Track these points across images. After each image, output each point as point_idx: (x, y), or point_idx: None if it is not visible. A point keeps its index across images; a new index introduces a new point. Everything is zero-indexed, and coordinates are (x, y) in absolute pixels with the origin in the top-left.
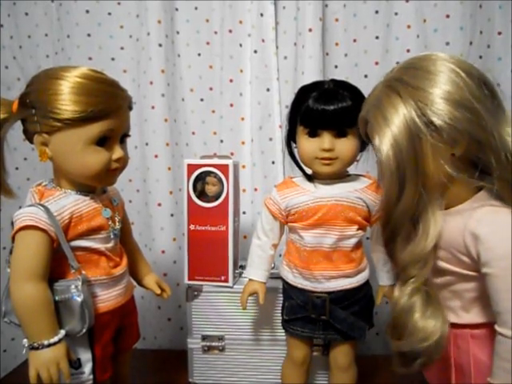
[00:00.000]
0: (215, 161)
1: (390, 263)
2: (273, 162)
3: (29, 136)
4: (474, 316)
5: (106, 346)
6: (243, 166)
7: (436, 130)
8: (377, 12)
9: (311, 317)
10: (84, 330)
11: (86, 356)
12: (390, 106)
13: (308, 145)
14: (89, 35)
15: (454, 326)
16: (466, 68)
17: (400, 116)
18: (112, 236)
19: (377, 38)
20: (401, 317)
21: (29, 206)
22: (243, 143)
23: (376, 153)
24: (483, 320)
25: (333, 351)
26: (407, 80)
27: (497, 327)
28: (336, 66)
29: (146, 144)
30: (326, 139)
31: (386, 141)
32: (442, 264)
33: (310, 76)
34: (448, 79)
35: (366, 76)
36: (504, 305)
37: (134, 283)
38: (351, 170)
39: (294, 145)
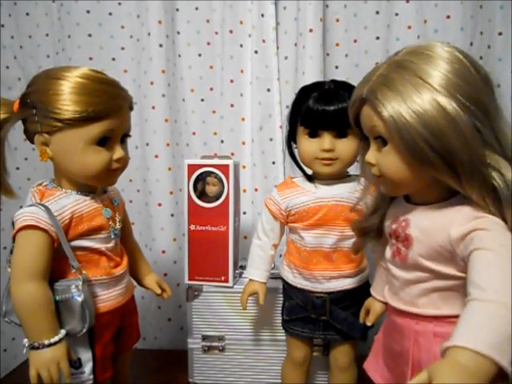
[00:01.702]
0: (216, 161)
1: None
2: (273, 163)
3: (29, 136)
4: (443, 311)
5: (107, 345)
6: (244, 167)
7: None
8: (377, 12)
9: (311, 317)
10: (84, 330)
11: (86, 356)
12: (406, 82)
13: (308, 145)
14: (89, 35)
15: (416, 321)
16: (473, 61)
17: (417, 90)
18: (112, 236)
19: (377, 38)
20: None
21: (29, 206)
22: (244, 143)
23: (380, 134)
24: (452, 313)
25: (333, 351)
26: (416, 62)
27: (471, 294)
28: (336, 67)
29: (147, 144)
30: (326, 140)
31: (408, 113)
32: (423, 261)
33: (311, 76)
34: (454, 68)
35: None
36: (489, 280)
37: (135, 283)
38: (351, 170)
39: (294, 145)
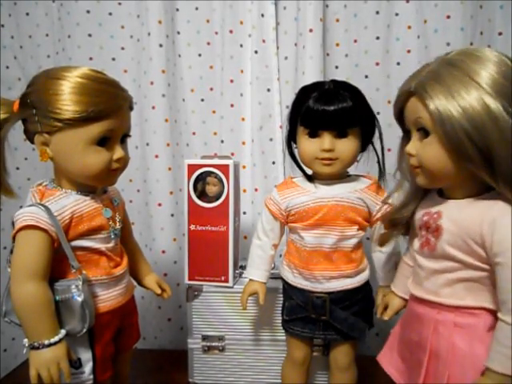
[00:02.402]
0: (216, 161)
1: (389, 263)
2: (273, 163)
3: (29, 136)
4: (466, 302)
5: (107, 345)
6: (244, 167)
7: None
8: (377, 12)
9: (311, 317)
10: (84, 330)
11: (86, 356)
12: (455, 79)
13: (308, 145)
14: (89, 35)
15: (438, 311)
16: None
17: (466, 88)
18: (112, 236)
19: (377, 38)
20: None
21: (29, 206)
22: (244, 143)
23: (424, 126)
24: (475, 304)
25: (333, 351)
26: (466, 61)
27: (500, 315)
28: (336, 67)
29: (147, 144)
30: (326, 139)
31: (455, 108)
32: (451, 250)
33: (311, 76)
34: (502, 70)
35: (366, 76)
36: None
37: (135, 283)
38: (351, 170)
39: (294, 145)
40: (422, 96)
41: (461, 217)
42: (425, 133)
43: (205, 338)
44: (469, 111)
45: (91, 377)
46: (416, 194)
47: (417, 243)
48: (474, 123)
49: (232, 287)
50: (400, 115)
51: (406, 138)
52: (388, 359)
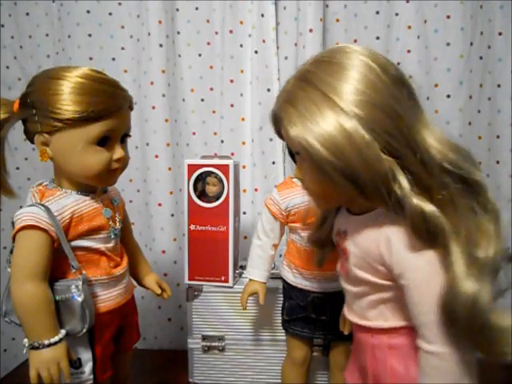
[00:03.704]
0: (216, 161)
1: None
2: (273, 163)
3: (30, 136)
4: (392, 323)
5: (107, 345)
6: (244, 167)
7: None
8: (377, 12)
9: (311, 317)
10: (84, 330)
11: (86, 356)
12: (308, 101)
13: None
14: (89, 35)
15: (371, 334)
16: (382, 64)
17: (320, 111)
18: (112, 236)
19: (377, 38)
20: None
21: (29, 206)
22: (244, 143)
23: (297, 150)
24: (402, 324)
25: (333, 351)
26: (321, 75)
27: (418, 342)
28: None
29: (147, 144)
30: None
31: (311, 136)
32: (360, 273)
33: None
34: (362, 76)
35: None
36: (421, 318)
37: (135, 283)
38: None
39: None
40: (282, 121)
41: (361, 238)
42: (301, 157)
43: (205, 337)
44: (326, 139)
45: (91, 377)
46: (329, 210)
47: (338, 265)
48: (332, 151)
49: (232, 287)
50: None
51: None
52: (351, 374)
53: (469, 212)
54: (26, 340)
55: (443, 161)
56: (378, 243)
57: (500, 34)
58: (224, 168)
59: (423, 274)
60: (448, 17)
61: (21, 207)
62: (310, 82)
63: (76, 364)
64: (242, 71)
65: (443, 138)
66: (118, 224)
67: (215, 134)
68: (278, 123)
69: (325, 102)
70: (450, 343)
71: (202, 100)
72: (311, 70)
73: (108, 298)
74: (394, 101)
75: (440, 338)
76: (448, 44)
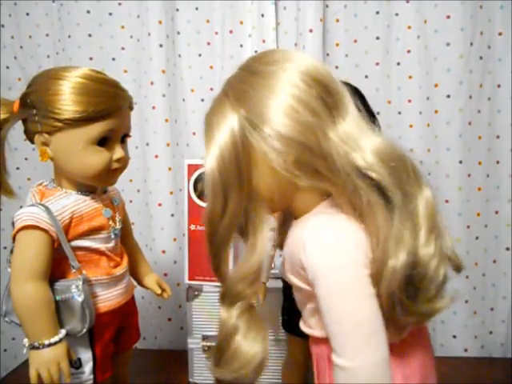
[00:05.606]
0: None
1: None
2: None
3: (30, 136)
4: (322, 333)
5: (107, 345)
6: None
7: (265, 139)
8: (377, 12)
9: None
10: (84, 330)
11: (86, 356)
12: (220, 114)
13: None
14: (90, 35)
15: (315, 344)
16: (310, 72)
17: (227, 125)
18: (112, 236)
19: (377, 38)
20: (227, 341)
21: (29, 206)
22: None
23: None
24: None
25: None
26: (240, 85)
27: (332, 355)
28: (337, 67)
29: (147, 144)
30: None
31: (211, 151)
32: (293, 279)
33: None
34: (286, 88)
35: (366, 76)
36: (330, 329)
37: (135, 283)
38: None
39: None
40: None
41: (290, 243)
42: None
43: (205, 338)
44: (222, 148)
45: (91, 377)
46: (285, 214)
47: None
48: (224, 159)
49: None
50: None
51: None
52: None
53: (385, 221)
54: (26, 340)
55: (365, 169)
56: (298, 246)
57: (500, 34)
58: None
59: (331, 281)
60: (448, 17)
61: (21, 207)
62: (226, 94)
63: (76, 364)
64: None
65: (377, 149)
66: (118, 224)
67: None
68: None
69: (231, 114)
70: (358, 357)
71: (202, 100)
72: (231, 82)
73: (108, 298)
74: (311, 113)
75: (347, 352)
76: (448, 44)
